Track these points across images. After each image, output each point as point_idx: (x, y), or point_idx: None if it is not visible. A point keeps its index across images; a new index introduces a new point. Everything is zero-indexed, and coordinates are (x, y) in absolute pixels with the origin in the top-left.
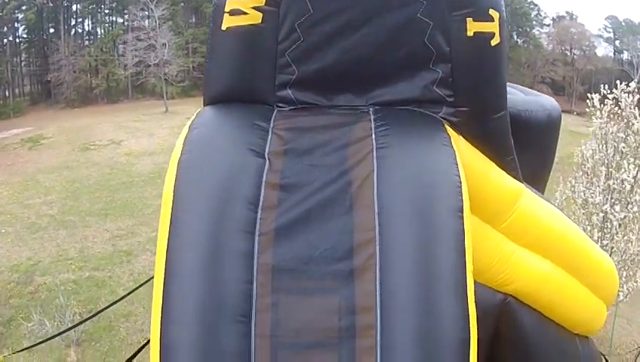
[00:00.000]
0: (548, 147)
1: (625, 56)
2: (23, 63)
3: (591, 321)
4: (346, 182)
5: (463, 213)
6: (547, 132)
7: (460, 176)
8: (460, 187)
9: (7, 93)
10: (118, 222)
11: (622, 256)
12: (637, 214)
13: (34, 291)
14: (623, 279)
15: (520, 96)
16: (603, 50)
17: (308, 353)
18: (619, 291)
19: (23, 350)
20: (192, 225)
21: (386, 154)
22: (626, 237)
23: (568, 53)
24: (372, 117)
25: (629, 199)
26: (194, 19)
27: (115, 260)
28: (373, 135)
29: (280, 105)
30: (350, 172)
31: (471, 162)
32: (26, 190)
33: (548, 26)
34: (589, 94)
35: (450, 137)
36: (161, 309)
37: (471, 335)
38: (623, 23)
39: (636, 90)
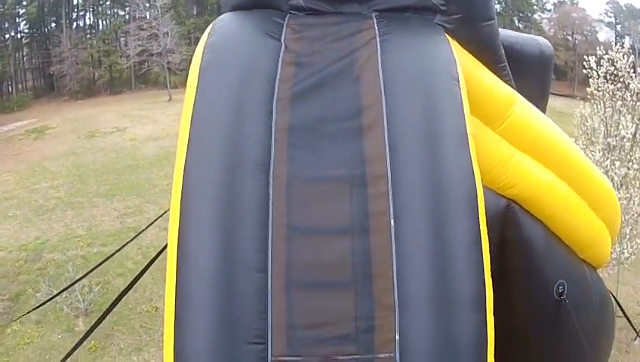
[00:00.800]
0: (541, 79)
1: (626, 41)
2: (25, 58)
3: (595, 245)
4: (352, 59)
5: (459, 82)
6: (539, 64)
7: (456, 64)
8: (456, 65)
9: (10, 87)
10: (126, 201)
11: (624, 215)
12: (638, 172)
13: (42, 267)
14: (627, 237)
15: (514, 32)
16: (604, 35)
17: (321, 195)
18: (623, 249)
19: (30, 312)
20: (217, 95)
21: (389, 39)
22: (627, 195)
23: (570, 38)
24: (375, 19)
25: (629, 157)
26: (195, 11)
27: (123, 236)
28: (376, 27)
29: (292, 11)
30: (357, 52)
31: (465, 64)
32: (32, 176)
33: (549, 11)
34: (585, 56)
35: (446, 35)
36: (185, 155)
37: (477, 188)
38: (624, 8)
39: (630, 50)
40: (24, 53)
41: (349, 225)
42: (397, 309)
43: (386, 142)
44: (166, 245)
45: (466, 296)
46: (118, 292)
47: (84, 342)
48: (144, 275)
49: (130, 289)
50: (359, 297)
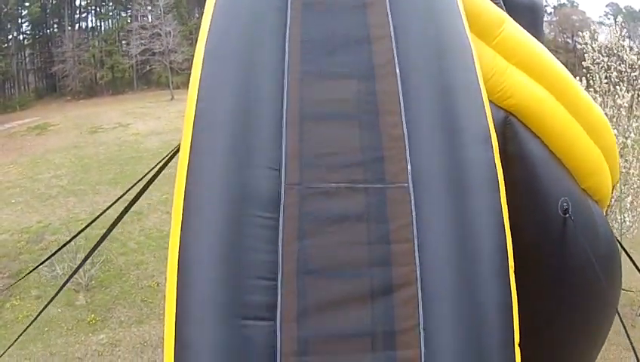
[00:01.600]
0: (534, 27)
1: (627, 43)
2: (27, 59)
3: (596, 174)
4: None
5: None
6: (531, 13)
7: None
8: None
9: (12, 88)
10: (128, 187)
11: (623, 185)
12: (635, 143)
13: (44, 248)
14: (628, 206)
15: None
16: (605, 36)
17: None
18: (625, 218)
19: (33, 270)
20: (232, 11)
21: None
22: (626, 165)
23: (570, 41)
24: None
25: (626, 127)
26: (197, 13)
27: (125, 219)
28: None
29: None
30: None
31: None
32: (35, 167)
33: (550, 14)
34: (580, 32)
35: None
36: (198, 87)
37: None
38: (624, 10)
39: (623, 23)
40: (26, 55)
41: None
42: (407, 140)
43: (395, 52)
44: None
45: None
46: (119, 269)
47: (84, 315)
48: (146, 254)
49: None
50: (364, 129)
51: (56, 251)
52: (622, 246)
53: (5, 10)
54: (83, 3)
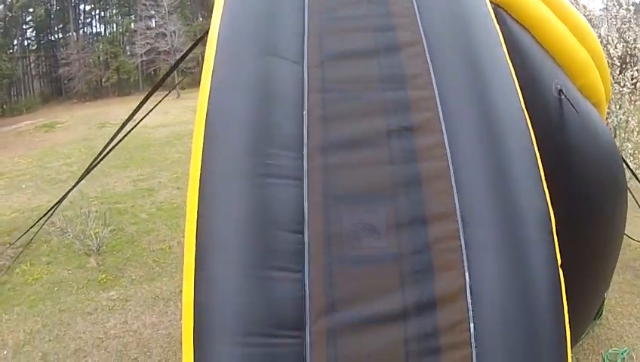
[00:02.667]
0: None
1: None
2: (32, 65)
3: (587, 74)
4: None
5: None
6: None
7: None
8: None
9: (18, 92)
10: (139, 170)
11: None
12: (630, 94)
13: (54, 223)
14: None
15: None
16: (606, 30)
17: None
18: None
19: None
20: None
21: None
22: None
23: None
24: None
25: (620, 76)
26: (200, 15)
27: (136, 195)
28: None
29: None
30: None
31: None
32: (44, 157)
33: None
34: None
35: None
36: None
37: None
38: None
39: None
40: (31, 60)
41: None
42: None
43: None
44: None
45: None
46: (131, 236)
47: (95, 276)
48: (158, 223)
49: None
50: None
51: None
52: (624, 160)
53: (10, 15)
54: (87, 8)
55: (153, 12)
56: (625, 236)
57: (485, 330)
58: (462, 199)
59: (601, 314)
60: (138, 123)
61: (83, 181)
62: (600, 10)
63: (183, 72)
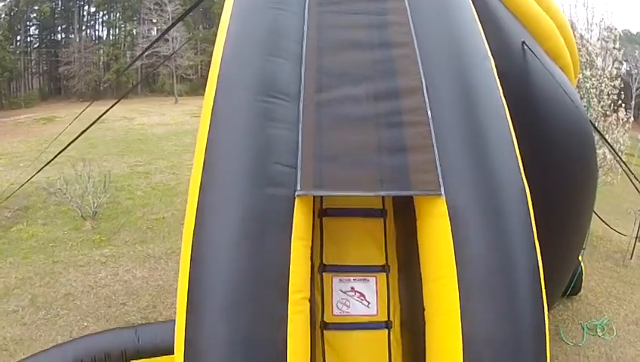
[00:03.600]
0: None
1: (624, 66)
2: (33, 62)
3: (552, 38)
4: None
5: None
6: None
7: None
8: None
9: (18, 87)
10: (136, 158)
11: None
12: None
13: (52, 193)
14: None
15: None
16: (602, 60)
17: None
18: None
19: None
20: None
21: None
22: None
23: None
24: None
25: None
26: (202, 26)
27: (133, 177)
28: None
29: None
30: None
31: None
32: (43, 143)
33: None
34: None
35: None
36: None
37: None
38: (622, 34)
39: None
40: (32, 58)
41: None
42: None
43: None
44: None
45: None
46: (126, 208)
47: (90, 236)
48: (152, 199)
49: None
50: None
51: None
52: (592, 124)
53: (16, 10)
54: (92, 9)
55: (157, 18)
56: (610, 228)
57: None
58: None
59: (579, 290)
60: (99, 118)
61: (81, 164)
62: (597, 39)
63: (182, 79)
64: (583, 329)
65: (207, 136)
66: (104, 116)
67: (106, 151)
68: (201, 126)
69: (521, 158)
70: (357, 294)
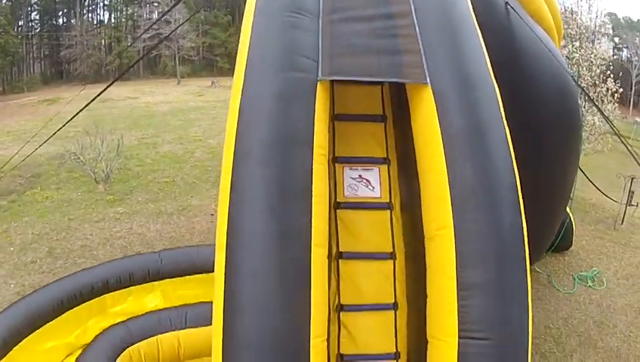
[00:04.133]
0: None
1: (624, 53)
2: (34, 47)
3: (533, 2)
4: None
5: None
6: None
7: None
8: None
9: (20, 71)
10: (143, 132)
11: None
12: None
13: (63, 162)
14: None
15: None
16: (603, 46)
17: None
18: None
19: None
20: None
21: None
22: None
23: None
24: None
25: None
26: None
27: (141, 148)
28: None
29: None
30: None
31: None
32: (50, 123)
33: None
34: None
35: None
36: None
37: None
38: (622, 21)
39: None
40: (34, 42)
41: None
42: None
43: None
44: None
45: None
46: (137, 173)
47: (104, 197)
48: (162, 165)
49: None
50: None
51: None
52: (574, 80)
53: None
54: None
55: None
56: (601, 197)
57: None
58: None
59: (570, 245)
60: (95, 98)
61: (87, 138)
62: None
63: (184, 61)
64: (574, 279)
65: (248, 42)
66: (109, 95)
67: (113, 126)
68: (241, 39)
69: (504, 103)
70: (363, 180)
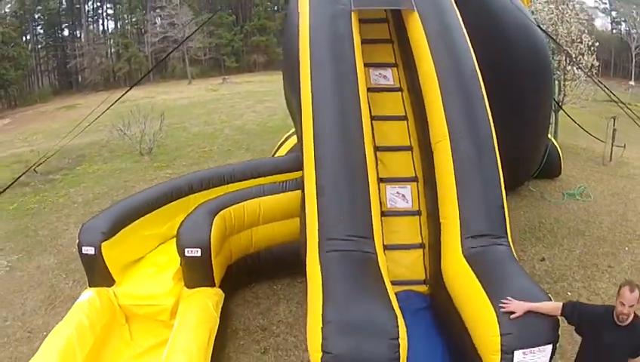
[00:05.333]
0: None
1: (623, 27)
2: (41, 60)
3: None
4: None
5: None
6: None
7: None
8: None
9: (30, 83)
10: (168, 120)
11: None
12: None
13: (102, 146)
14: None
15: None
16: (600, 21)
17: None
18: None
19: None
20: None
21: None
22: None
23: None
24: None
25: None
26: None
27: (171, 131)
28: None
29: None
30: None
31: None
32: (74, 122)
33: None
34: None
35: None
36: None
37: None
38: None
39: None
40: (41, 55)
41: None
42: None
43: None
44: None
45: None
46: (175, 148)
47: (150, 165)
48: (196, 141)
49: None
50: None
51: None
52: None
53: (22, 11)
54: (96, 5)
55: (166, 2)
56: (592, 142)
57: None
58: None
59: (559, 173)
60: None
61: (113, 129)
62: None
63: (192, 61)
64: (563, 194)
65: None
66: (126, 96)
67: (134, 120)
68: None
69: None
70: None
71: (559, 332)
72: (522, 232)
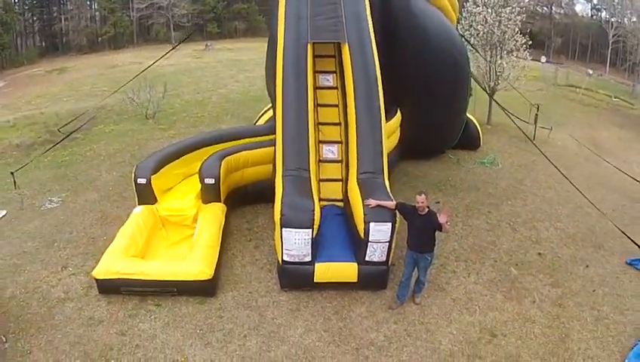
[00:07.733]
0: None
1: (603, 14)
2: (27, 22)
3: None
4: None
5: None
6: None
7: None
8: None
9: (17, 45)
10: (160, 88)
11: None
12: None
13: (110, 110)
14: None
15: None
16: (581, 6)
17: None
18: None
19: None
20: None
21: None
22: None
23: (546, 9)
24: None
25: None
26: None
27: (167, 98)
28: None
29: None
30: None
31: None
32: (72, 85)
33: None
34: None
35: None
36: None
37: None
38: None
39: None
40: (27, 17)
41: None
42: None
43: None
44: None
45: None
46: (172, 114)
47: (155, 127)
48: (189, 108)
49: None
50: None
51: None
52: (462, 36)
53: None
54: None
55: None
56: (522, 123)
57: None
58: None
59: (479, 145)
60: (154, 63)
61: (109, 96)
62: None
63: (176, 26)
64: (476, 162)
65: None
66: (115, 63)
67: (131, 86)
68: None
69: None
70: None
71: (397, 219)
72: (430, 185)
